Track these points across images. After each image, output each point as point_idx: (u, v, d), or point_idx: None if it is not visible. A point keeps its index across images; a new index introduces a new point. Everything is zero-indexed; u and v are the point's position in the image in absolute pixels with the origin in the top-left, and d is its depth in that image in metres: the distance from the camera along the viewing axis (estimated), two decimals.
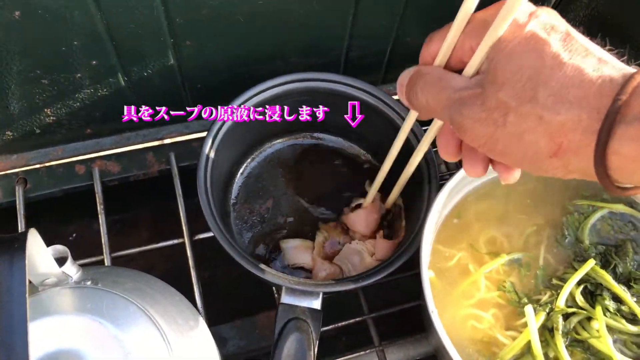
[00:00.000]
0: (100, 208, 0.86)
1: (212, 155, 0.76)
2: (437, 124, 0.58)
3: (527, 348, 0.66)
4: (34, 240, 0.51)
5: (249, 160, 0.91)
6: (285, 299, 0.68)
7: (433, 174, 0.77)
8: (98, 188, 0.87)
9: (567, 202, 0.76)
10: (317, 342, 0.66)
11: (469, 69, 0.49)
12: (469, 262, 0.72)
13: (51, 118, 0.84)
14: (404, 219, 0.85)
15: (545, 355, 0.66)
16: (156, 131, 0.94)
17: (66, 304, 0.58)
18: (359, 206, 0.85)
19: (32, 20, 0.66)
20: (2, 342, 0.43)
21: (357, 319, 0.81)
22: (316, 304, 0.68)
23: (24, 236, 0.49)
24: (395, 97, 0.82)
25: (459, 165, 0.93)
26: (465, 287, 0.71)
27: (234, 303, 1.02)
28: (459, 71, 0.50)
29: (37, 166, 0.90)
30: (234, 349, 0.94)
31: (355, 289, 0.70)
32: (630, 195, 0.43)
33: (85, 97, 0.82)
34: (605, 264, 0.71)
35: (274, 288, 0.84)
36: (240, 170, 0.91)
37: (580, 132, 0.40)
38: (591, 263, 0.69)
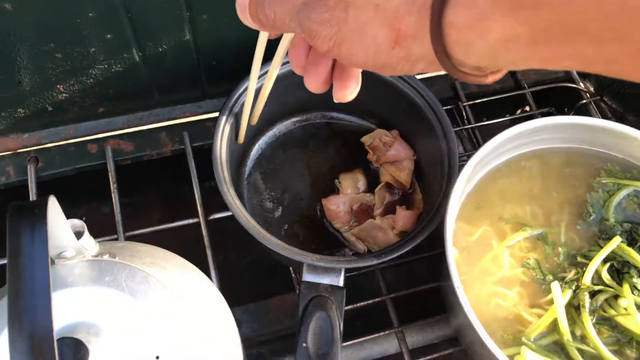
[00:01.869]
0: (113, 187, 0.84)
1: (227, 130, 0.75)
2: (287, 38, 0.57)
3: (553, 326, 0.65)
4: (54, 208, 0.49)
5: (260, 141, 0.90)
6: (307, 276, 0.67)
7: (452, 150, 0.75)
8: (111, 167, 0.86)
9: (591, 180, 0.75)
10: (342, 319, 0.65)
11: None
12: (492, 238, 0.71)
13: (64, 95, 0.82)
14: (420, 192, 0.84)
15: (572, 333, 0.64)
16: (169, 110, 0.93)
17: (85, 276, 0.56)
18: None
19: None
20: (26, 305, 0.41)
21: (376, 300, 0.79)
22: (338, 280, 0.67)
23: (44, 202, 0.47)
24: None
25: (477, 145, 0.92)
26: (488, 262, 0.69)
27: (248, 286, 1.00)
28: None
29: (49, 145, 0.89)
30: (247, 332, 0.92)
31: (379, 264, 0.69)
32: (474, 82, 0.41)
33: (98, 73, 0.81)
34: (631, 242, 0.69)
35: (291, 269, 0.82)
36: (254, 149, 0.89)
37: (415, 12, 0.38)
38: (617, 240, 0.67)
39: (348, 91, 0.52)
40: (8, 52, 0.72)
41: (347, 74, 0.52)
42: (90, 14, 0.71)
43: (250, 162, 0.89)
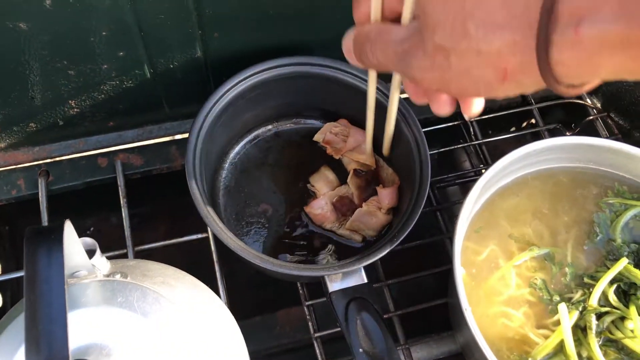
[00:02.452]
0: (123, 202, 0.85)
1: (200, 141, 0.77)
2: (397, 75, 0.59)
3: (560, 347, 0.65)
4: (69, 231, 0.50)
5: (221, 172, 0.89)
6: (333, 286, 0.68)
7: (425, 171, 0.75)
8: (121, 181, 0.87)
9: (599, 200, 0.75)
10: (381, 312, 0.67)
11: (404, 18, 0.50)
12: (499, 257, 0.71)
13: (75, 110, 0.83)
14: (388, 166, 0.85)
15: (579, 354, 0.65)
16: (179, 124, 0.94)
17: (97, 297, 0.57)
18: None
19: (62, 10, 0.65)
20: (43, 330, 0.42)
21: (384, 316, 0.80)
22: (362, 278, 0.69)
23: (61, 227, 0.48)
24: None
25: (485, 163, 0.93)
26: (495, 281, 0.70)
27: (254, 300, 1.01)
28: (398, 20, 0.51)
29: (60, 158, 0.90)
30: (254, 346, 0.93)
31: (391, 250, 0.69)
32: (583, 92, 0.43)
33: (110, 89, 0.81)
34: (638, 263, 0.70)
35: (298, 283, 0.83)
36: (220, 183, 0.88)
37: (519, 54, 0.39)
38: (624, 262, 0.68)
39: (474, 107, 0.53)
40: (22, 69, 0.73)
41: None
42: (104, 33, 0.71)
43: (221, 198, 0.87)
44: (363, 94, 0.76)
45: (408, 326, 0.82)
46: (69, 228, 0.49)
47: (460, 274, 0.64)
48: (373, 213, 0.81)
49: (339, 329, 0.78)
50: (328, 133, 0.88)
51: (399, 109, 0.77)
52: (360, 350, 0.63)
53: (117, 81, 0.80)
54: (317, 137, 0.89)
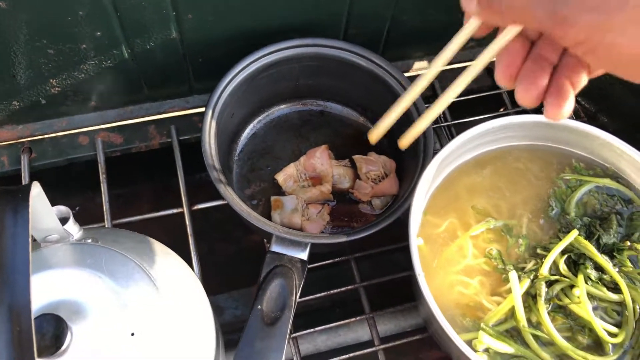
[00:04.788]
0: (102, 177, 0.88)
1: (219, 106, 0.81)
2: (508, 34, 0.49)
3: (511, 313, 0.69)
4: (38, 193, 0.53)
5: (255, 121, 0.95)
6: (274, 247, 0.72)
7: (428, 146, 0.80)
8: (101, 158, 0.90)
9: (555, 176, 0.78)
10: (300, 289, 0.70)
11: None
12: (458, 229, 0.75)
13: (56, 89, 0.87)
14: (377, 157, 0.91)
15: (528, 320, 0.68)
16: (158, 105, 0.97)
17: (67, 259, 0.60)
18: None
19: None
20: (5, 280, 0.45)
21: (349, 287, 0.83)
22: (303, 254, 0.72)
23: (28, 188, 0.51)
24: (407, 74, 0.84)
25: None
26: (453, 252, 0.73)
27: (232, 275, 1.04)
28: None
29: (42, 136, 0.93)
30: (230, 318, 0.96)
31: (346, 242, 0.73)
32: None
33: (89, 69, 0.84)
34: (589, 235, 0.73)
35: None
36: (247, 130, 0.95)
37: None
38: (574, 233, 0.71)
39: (562, 111, 0.47)
40: (3, 47, 0.76)
41: (563, 93, 0.48)
42: (81, 13, 0.74)
43: (243, 139, 0.94)
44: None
45: (376, 300, 0.85)
46: (37, 189, 0.52)
47: (415, 243, 0.68)
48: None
49: (310, 302, 0.83)
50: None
51: (403, 87, 0.84)
52: (259, 307, 0.67)
53: (96, 61, 0.84)
54: (277, 177, 0.91)
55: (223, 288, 0.98)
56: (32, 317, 0.45)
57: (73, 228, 0.63)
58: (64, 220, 0.62)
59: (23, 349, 0.44)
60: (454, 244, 0.74)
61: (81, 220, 0.63)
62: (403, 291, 0.86)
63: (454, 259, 0.73)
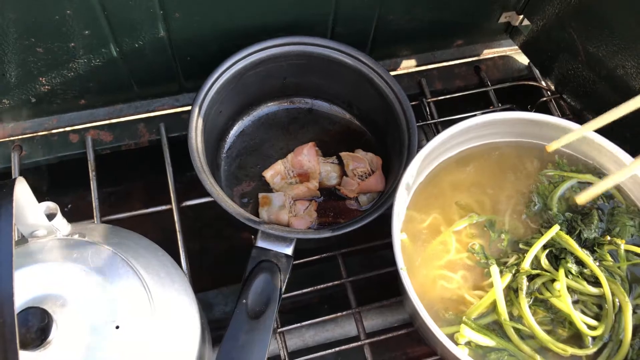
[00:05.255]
0: (92, 174, 0.89)
1: (206, 103, 0.82)
2: None
3: (493, 307, 0.70)
4: (22, 188, 0.54)
5: (243, 118, 0.96)
6: (259, 242, 0.73)
7: (412, 143, 0.81)
8: (90, 156, 0.91)
9: (538, 173, 0.79)
10: (285, 284, 0.71)
11: None
12: (441, 224, 0.75)
13: (46, 87, 0.87)
14: (364, 154, 0.93)
15: (510, 313, 0.69)
16: (148, 103, 0.98)
17: (53, 253, 0.61)
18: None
19: None
20: None
21: (336, 282, 0.84)
22: (288, 250, 0.73)
23: (12, 183, 0.52)
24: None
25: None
26: (436, 246, 0.74)
27: (222, 272, 1.05)
28: None
29: (33, 135, 0.94)
30: (219, 314, 0.97)
31: (331, 237, 0.74)
32: None
33: (79, 67, 0.85)
34: (570, 230, 0.74)
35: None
36: (235, 127, 0.96)
37: None
38: (556, 228, 0.72)
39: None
40: None
41: None
42: (68, 11, 0.75)
43: (231, 137, 0.95)
44: (388, 105, 0.87)
45: (363, 296, 0.86)
46: (21, 185, 0.53)
47: (398, 237, 0.69)
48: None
49: (298, 298, 0.84)
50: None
51: (388, 85, 0.85)
52: (244, 301, 0.69)
53: (85, 59, 0.85)
54: (265, 174, 0.93)
55: (212, 285, 0.99)
56: (15, 310, 0.46)
57: (61, 223, 0.64)
58: (51, 216, 0.63)
59: (6, 341, 0.45)
60: (437, 239, 0.74)
61: (72, 218, 0.64)
62: (389, 287, 0.87)
63: (437, 254, 0.74)
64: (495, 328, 0.70)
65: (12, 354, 0.45)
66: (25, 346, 0.53)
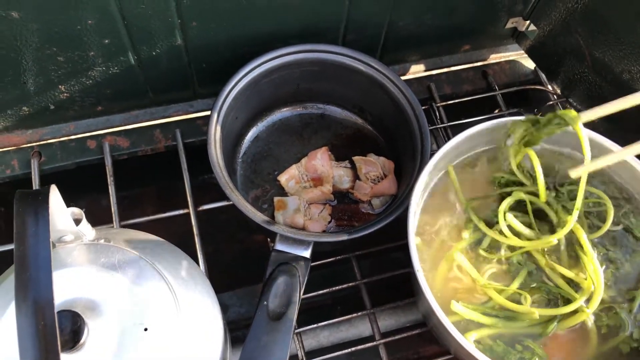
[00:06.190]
0: (110, 180, 0.91)
1: (224, 110, 0.84)
2: None
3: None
4: (55, 195, 0.56)
5: (258, 124, 0.99)
6: (278, 246, 0.75)
7: (425, 147, 0.84)
8: (108, 161, 0.93)
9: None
10: (304, 286, 0.74)
11: None
12: (452, 228, 0.77)
13: (65, 95, 0.89)
14: (377, 159, 0.95)
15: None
16: (163, 109, 1.00)
17: (82, 258, 0.63)
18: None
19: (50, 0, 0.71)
20: (30, 278, 0.48)
21: (351, 284, 0.86)
22: (306, 252, 0.75)
23: (47, 190, 0.54)
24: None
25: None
26: (447, 248, 0.76)
27: (237, 274, 1.07)
28: None
29: (51, 141, 0.96)
30: (234, 316, 0.99)
31: (347, 240, 0.76)
32: None
33: (97, 75, 0.87)
34: None
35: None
36: (250, 133, 0.98)
37: None
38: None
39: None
40: (15, 55, 0.79)
41: None
42: (90, 22, 0.77)
43: (246, 142, 0.98)
44: (401, 111, 0.88)
45: (377, 297, 0.88)
46: (54, 192, 0.56)
47: (413, 239, 0.71)
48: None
49: (312, 299, 0.86)
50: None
51: (400, 90, 0.87)
52: (265, 303, 0.71)
53: (104, 67, 0.86)
54: (280, 178, 0.94)
55: (227, 286, 1.01)
56: (55, 312, 0.48)
57: (87, 229, 0.66)
58: (77, 221, 0.65)
59: (47, 343, 0.47)
60: (448, 241, 0.77)
61: (90, 221, 0.66)
62: (402, 288, 0.89)
63: (448, 255, 0.76)
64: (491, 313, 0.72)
65: (54, 355, 0.47)
66: (60, 348, 0.55)
